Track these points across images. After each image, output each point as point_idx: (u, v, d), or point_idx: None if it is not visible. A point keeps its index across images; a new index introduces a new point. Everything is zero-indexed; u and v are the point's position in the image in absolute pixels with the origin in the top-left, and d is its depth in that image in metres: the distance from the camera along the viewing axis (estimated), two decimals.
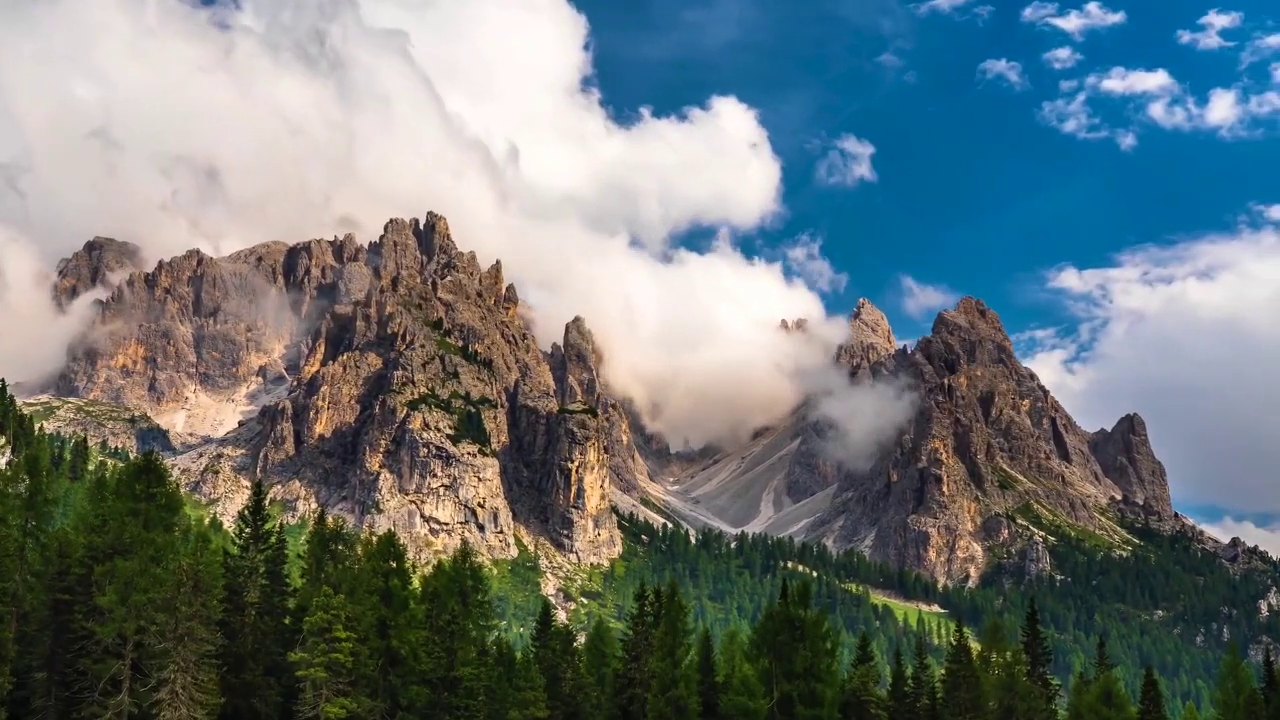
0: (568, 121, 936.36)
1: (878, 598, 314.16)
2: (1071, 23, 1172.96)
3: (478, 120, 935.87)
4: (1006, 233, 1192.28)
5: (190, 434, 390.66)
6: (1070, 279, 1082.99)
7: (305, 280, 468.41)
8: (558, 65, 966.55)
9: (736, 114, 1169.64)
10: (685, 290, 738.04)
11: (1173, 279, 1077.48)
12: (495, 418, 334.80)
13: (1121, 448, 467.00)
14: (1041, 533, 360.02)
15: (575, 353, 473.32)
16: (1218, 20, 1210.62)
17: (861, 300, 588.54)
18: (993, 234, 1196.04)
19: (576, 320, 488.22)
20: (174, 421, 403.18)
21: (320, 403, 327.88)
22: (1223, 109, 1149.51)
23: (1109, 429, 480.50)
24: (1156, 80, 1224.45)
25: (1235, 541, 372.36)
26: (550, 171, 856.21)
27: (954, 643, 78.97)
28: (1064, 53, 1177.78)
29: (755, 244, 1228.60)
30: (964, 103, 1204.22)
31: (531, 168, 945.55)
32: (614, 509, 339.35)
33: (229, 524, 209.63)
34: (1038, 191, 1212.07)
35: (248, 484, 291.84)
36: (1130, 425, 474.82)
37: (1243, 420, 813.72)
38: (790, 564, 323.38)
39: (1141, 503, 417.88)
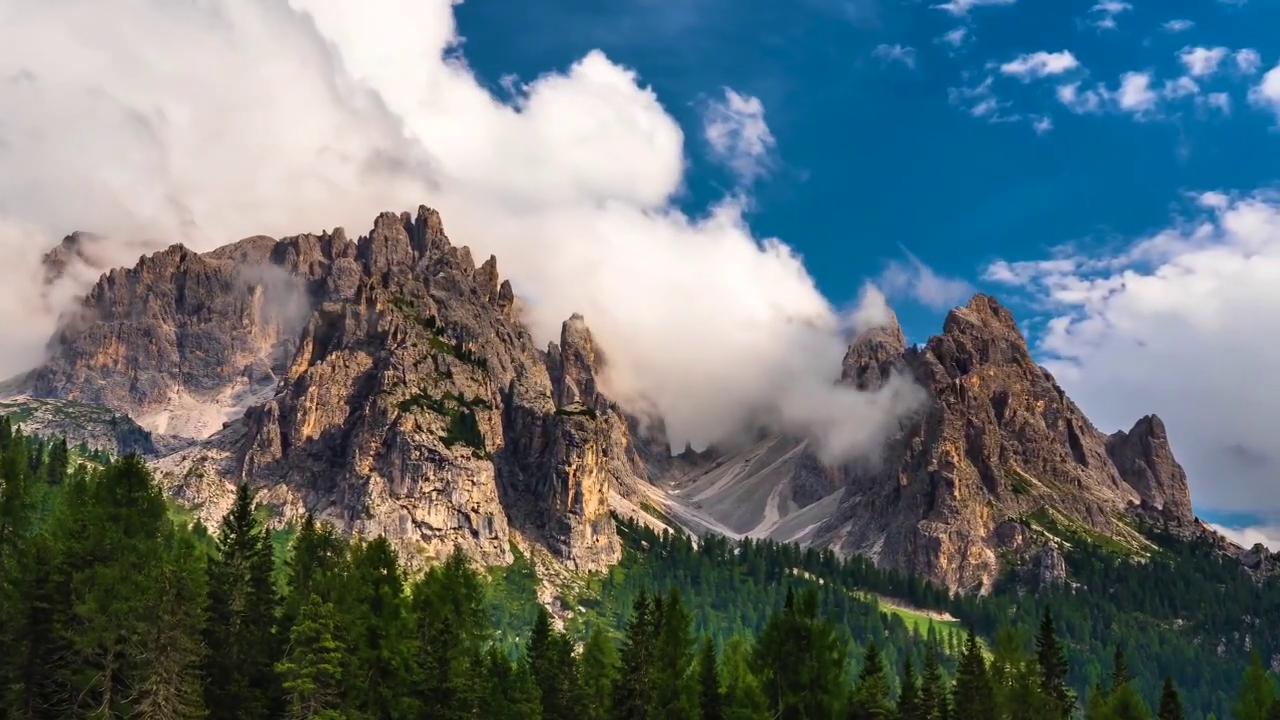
0: (446, 90, 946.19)
1: (886, 606, 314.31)
2: (959, 5, 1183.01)
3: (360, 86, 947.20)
4: (931, 223, 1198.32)
5: (173, 436, 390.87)
6: (1002, 272, 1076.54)
7: (293, 277, 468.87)
8: (422, 30, 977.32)
9: (614, 74, 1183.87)
10: (669, 274, 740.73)
11: (1109, 271, 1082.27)
12: (490, 419, 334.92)
13: (1140, 450, 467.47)
14: (1057, 538, 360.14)
15: (573, 352, 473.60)
16: (1111, 6, 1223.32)
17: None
18: (915, 224, 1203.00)
19: (574, 318, 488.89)
20: (156, 423, 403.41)
21: (308, 404, 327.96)
22: (1135, 93, 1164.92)
23: (1126, 431, 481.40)
24: (1062, 63, 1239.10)
25: (1258, 548, 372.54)
26: (446, 145, 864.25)
27: (966, 653, 79.02)
28: (956, 35, 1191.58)
29: (668, 210, 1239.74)
30: (865, 89, 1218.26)
31: (428, 143, 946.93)
32: (613, 514, 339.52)
33: (213, 529, 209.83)
34: (960, 179, 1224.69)
35: (233, 488, 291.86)
36: (1149, 427, 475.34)
37: (1203, 417, 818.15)
38: (796, 571, 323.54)
39: (1160, 507, 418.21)
